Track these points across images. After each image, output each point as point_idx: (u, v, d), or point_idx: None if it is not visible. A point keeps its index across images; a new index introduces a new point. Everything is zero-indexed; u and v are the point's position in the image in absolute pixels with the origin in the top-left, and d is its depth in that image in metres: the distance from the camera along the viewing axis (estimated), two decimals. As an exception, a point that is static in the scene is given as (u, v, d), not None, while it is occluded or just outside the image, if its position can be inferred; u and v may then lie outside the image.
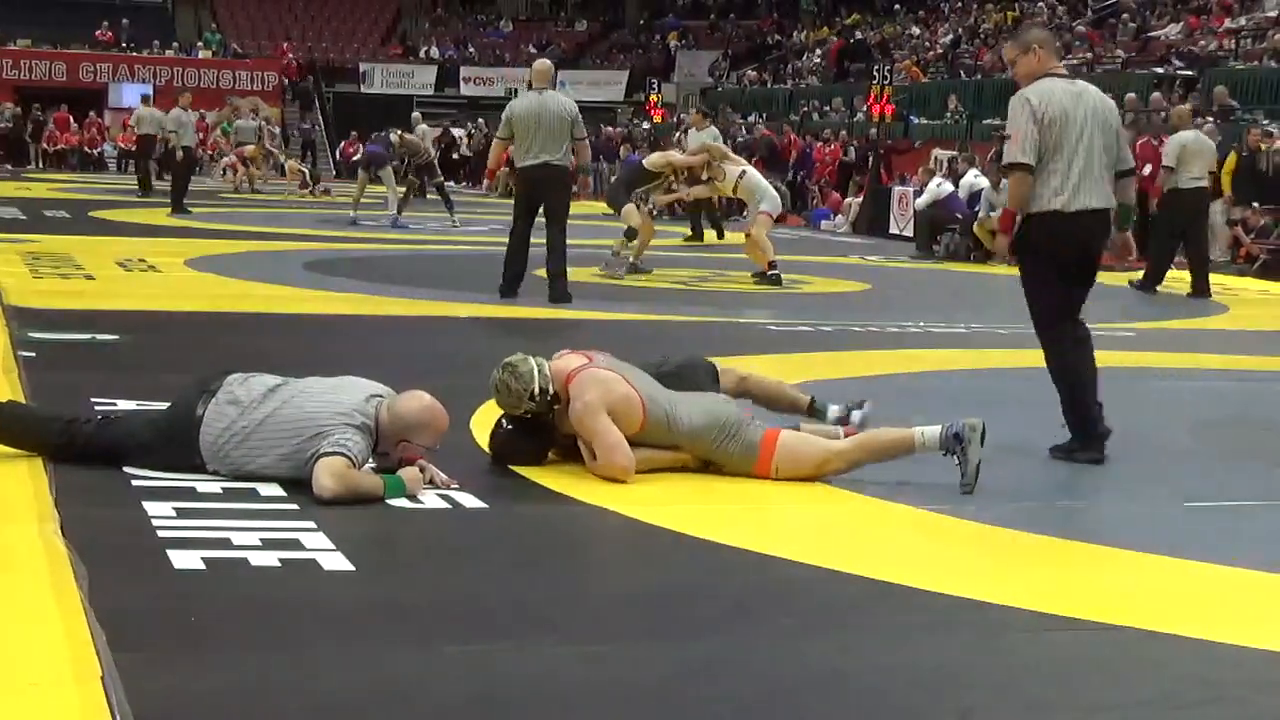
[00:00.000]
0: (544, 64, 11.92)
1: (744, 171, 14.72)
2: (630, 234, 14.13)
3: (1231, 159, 18.24)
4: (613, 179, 14.76)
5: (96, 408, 5.96)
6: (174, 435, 5.05)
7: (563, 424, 5.49)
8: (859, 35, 37.16)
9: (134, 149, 28.83)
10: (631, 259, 14.17)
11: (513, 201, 11.84)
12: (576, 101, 12.24)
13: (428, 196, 22.24)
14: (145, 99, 28.35)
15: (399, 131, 22.64)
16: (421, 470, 5.07)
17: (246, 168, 30.00)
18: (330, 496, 4.74)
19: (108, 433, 5.17)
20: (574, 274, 11.70)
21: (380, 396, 5.09)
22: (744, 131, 30.64)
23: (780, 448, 5.49)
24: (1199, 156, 14.75)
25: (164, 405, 5.39)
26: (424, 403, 5.08)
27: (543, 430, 5.52)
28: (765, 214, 14.23)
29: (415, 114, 24.89)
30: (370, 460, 5.04)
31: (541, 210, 11.32)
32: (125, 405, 6.23)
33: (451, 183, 27.75)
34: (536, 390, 5.35)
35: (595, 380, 5.41)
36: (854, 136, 27.39)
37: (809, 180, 27.46)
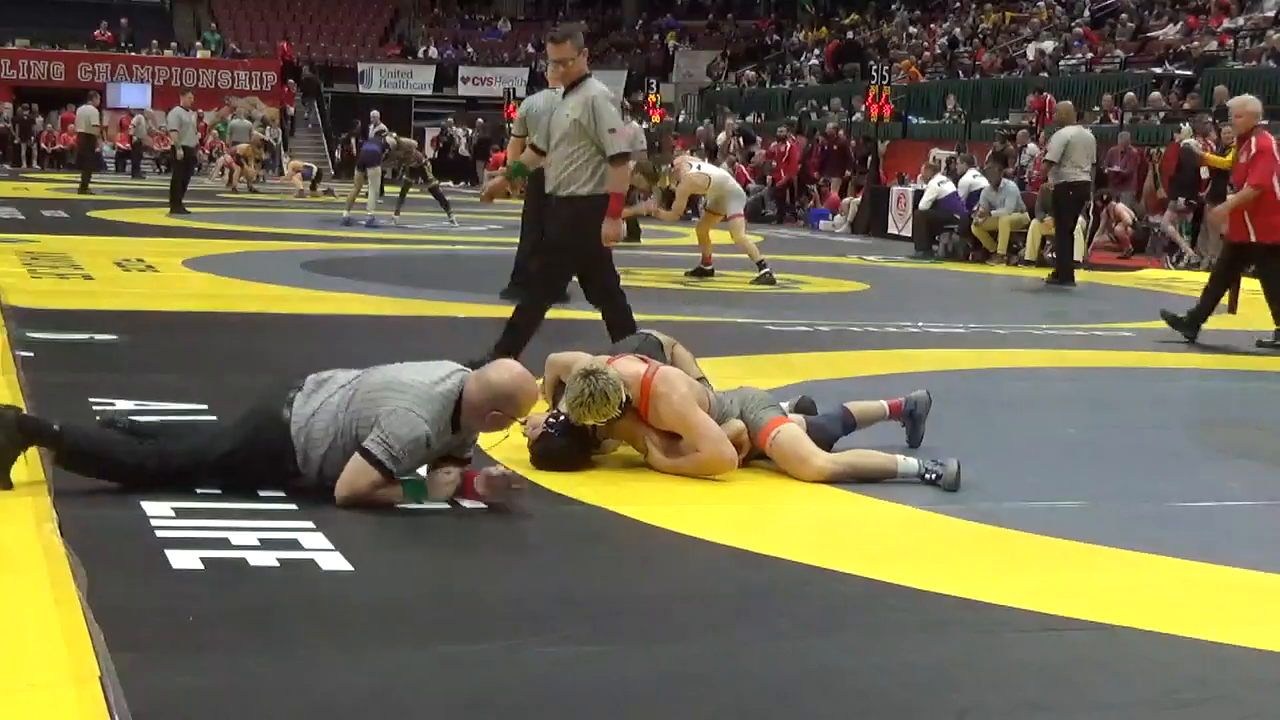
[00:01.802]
0: None
1: (708, 176, 14.76)
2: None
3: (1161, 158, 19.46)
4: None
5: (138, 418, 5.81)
6: (262, 444, 4.83)
7: (613, 429, 5.57)
8: (850, 35, 37.14)
9: (77, 149, 28.85)
10: None
11: (522, 201, 11.79)
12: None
13: (406, 198, 22.24)
14: (90, 97, 28.29)
15: (394, 134, 22.69)
16: (492, 478, 4.96)
17: (243, 167, 30.00)
18: (340, 503, 4.72)
19: (178, 451, 4.91)
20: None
21: (461, 371, 5.04)
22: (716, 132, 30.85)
23: (784, 427, 5.67)
24: (1083, 151, 15.85)
25: (184, 408, 5.34)
26: (515, 372, 5.02)
27: (588, 438, 5.61)
28: (739, 216, 14.41)
29: (374, 113, 24.85)
30: (432, 444, 4.89)
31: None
32: (124, 405, 6.23)
33: (449, 183, 27.75)
34: (624, 398, 5.42)
35: (678, 376, 5.60)
36: (852, 136, 27.36)
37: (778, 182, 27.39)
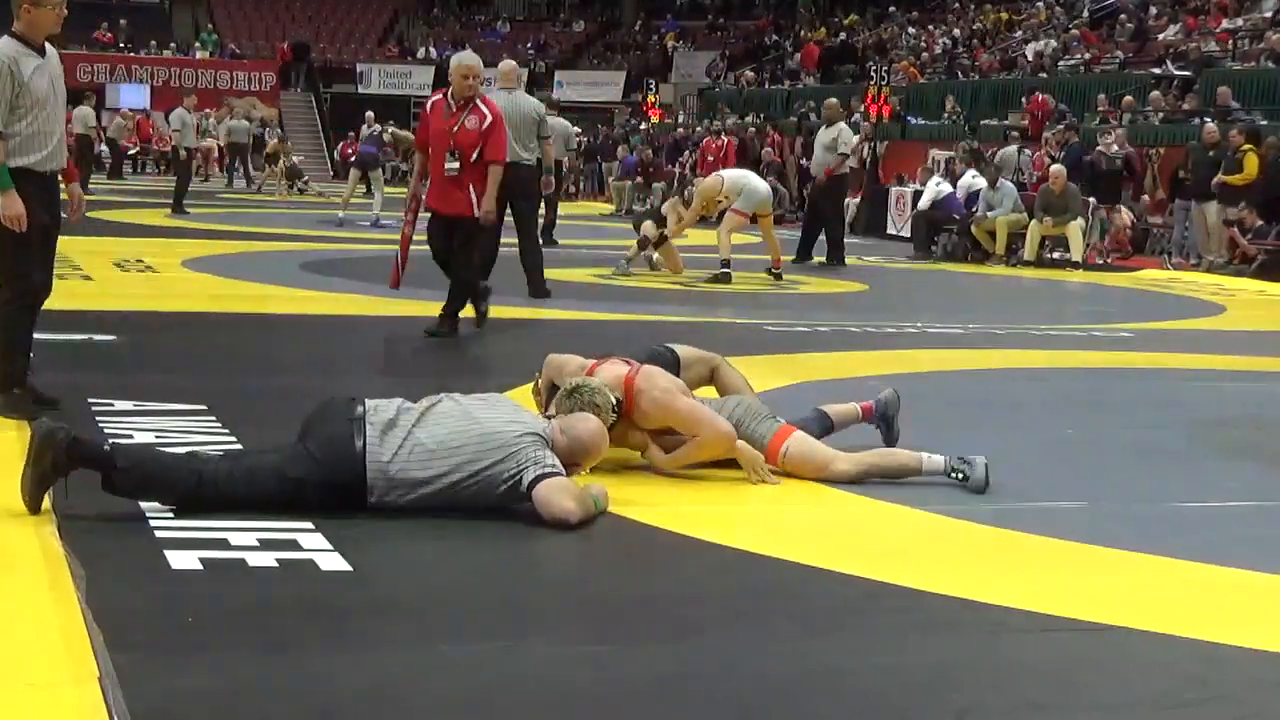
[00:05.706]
0: (510, 64, 12.30)
1: (722, 178, 14.69)
2: (643, 244, 14.29)
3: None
4: (643, 209, 15.56)
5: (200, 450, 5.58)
6: (340, 472, 4.66)
7: (610, 435, 5.52)
8: (842, 36, 37.12)
9: (75, 150, 28.81)
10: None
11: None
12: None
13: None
14: (84, 98, 28.24)
15: (390, 129, 22.67)
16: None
17: (271, 167, 30.10)
18: (576, 521, 4.69)
19: (239, 473, 4.73)
20: (575, 274, 11.71)
21: (541, 419, 5.09)
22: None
23: (793, 438, 5.65)
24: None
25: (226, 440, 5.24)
26: (596, 426, 5.11)
27: None
28: (738, 214, 14.13)
29: (369, 114, 24.91)
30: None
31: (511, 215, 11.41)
32: (123, 405, 6.23)
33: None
34: (614, 402, 5.39)
35: (659, 372, 5.61)
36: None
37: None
